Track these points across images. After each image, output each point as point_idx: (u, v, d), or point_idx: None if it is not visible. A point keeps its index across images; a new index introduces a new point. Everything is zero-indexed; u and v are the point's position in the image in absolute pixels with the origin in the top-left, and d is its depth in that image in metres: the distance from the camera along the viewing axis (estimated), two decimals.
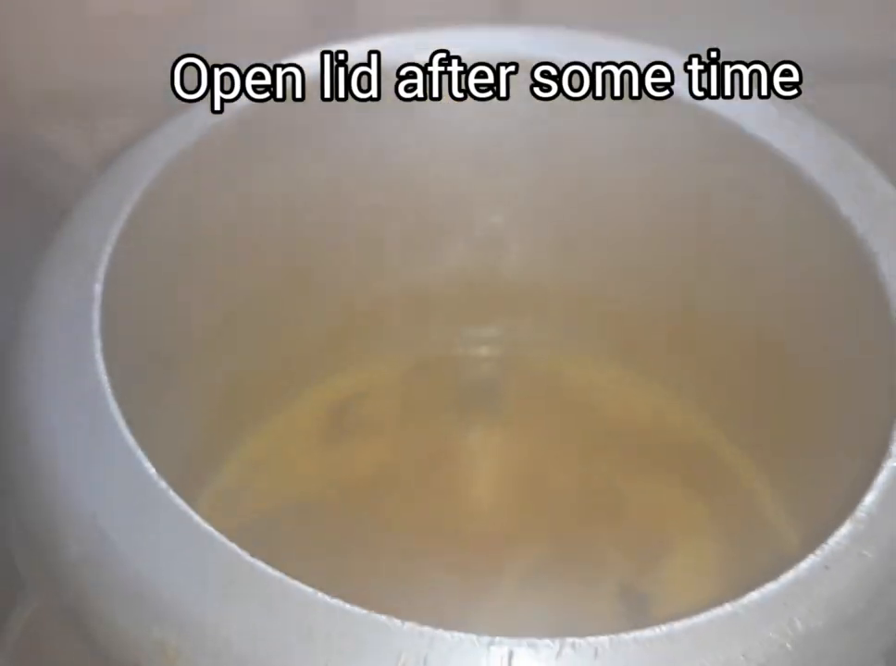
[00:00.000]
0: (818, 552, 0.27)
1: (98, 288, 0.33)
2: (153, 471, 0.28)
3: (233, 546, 0.26)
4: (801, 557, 0.28)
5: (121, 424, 0.30)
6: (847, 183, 0.35)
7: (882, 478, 0.29)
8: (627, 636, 0.24)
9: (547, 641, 0.24)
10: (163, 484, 0.28)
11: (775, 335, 0.46)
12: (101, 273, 0.34)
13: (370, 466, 0.51)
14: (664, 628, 0.25)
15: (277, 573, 0.26)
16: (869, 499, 0.28)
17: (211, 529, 0.27)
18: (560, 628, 0.45)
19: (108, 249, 0.35)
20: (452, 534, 0.48)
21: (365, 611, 0.25)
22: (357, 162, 0.48)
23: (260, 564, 0.26)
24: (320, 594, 0.25)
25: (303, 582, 0.46)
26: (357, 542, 0.48)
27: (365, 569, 0.47)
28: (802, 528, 0.47)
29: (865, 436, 0.37)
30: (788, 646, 0.24)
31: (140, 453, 0.29)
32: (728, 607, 0.25)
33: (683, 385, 0.52)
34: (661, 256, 0.48)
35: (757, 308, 0.46)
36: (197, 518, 0.27)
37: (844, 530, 0.27)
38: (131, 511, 0.27)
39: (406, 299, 0.54)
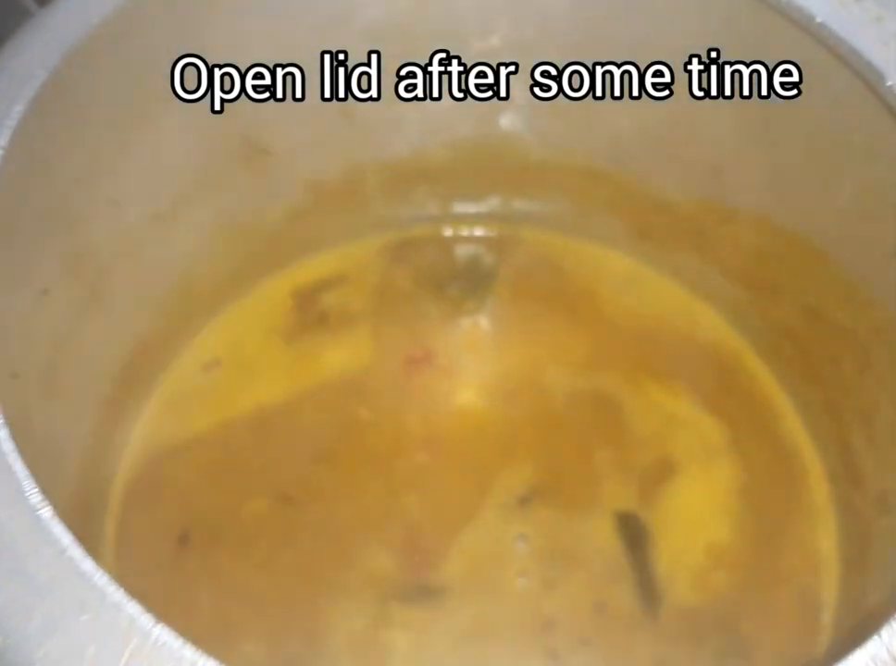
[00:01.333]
0: None
1: None
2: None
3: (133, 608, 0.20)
4: None
5: None
6: None
7: None
8: None
9: None
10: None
11: (821, 241, 0.38)
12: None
13: (341, 368, 0.45)
14: None
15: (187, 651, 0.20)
16: None
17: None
18: (546, 564, 0.42)
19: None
20: (431, 450, 0.42)
21: None
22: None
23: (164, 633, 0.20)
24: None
25: (264, 500, 0.43)
26: (324, 459, 0.42)
27: (332, 488, 0.41)
28: (828, 461, 0.41)
29: None
30: None
31: None
32: None
33: (708, 286, 0.45)
34: (697, 133, 0.40)
35: (806, 208, 0.38)
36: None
37: None
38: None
39: (385, 169, 0.46)
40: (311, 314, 0.46)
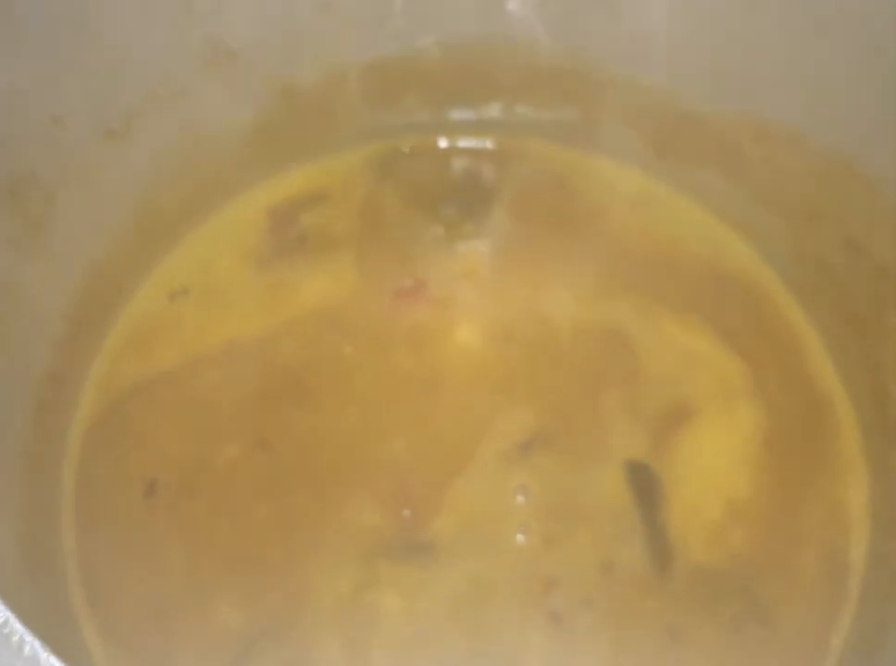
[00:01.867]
0: None
1: None
2: None
3: None
4: None
5: None
6: None
7: None
8: None
9: None
10: None
11: (870, 168, 0.34)
12: None
13: (322, 298, 0.40)
14: None
15: None
16: None
17: None
18: (548, 519, 0.38)
19: None
20: (422, 392, 0.38)
21: None
22: None
23: None
24: None
25: (238, 445, 0.39)
26: (304, 401, 0.38)
27: (312, 433, 0.38)
28: (861, 411, 0.37)
29: None
30: None
31: None
32: None
33: (736, 210, 0.40)
34: (734, 35, 0.35)
35: (854, 130, 0.33)
36: None
37: None
38: None
39: (369, 71, 0.40)
40: (288, 238, 0.41)
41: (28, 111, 0.30)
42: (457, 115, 0.42)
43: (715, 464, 0.37)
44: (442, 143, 0.43)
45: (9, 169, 0.30)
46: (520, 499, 0.36)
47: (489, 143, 0.43)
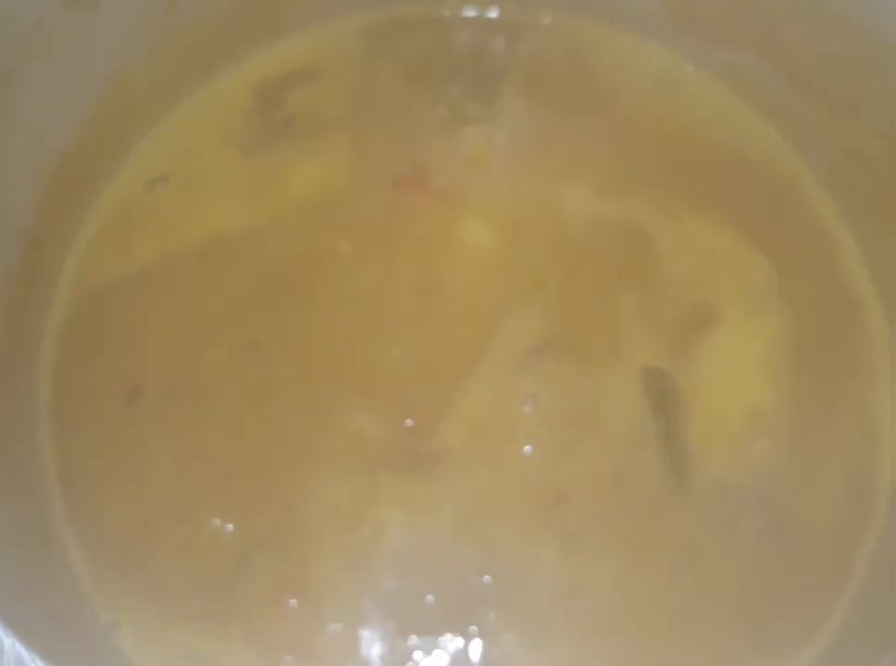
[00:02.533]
0: None
1: None
2: None
3: None
4: None
5: None
6: None
7: None
8: None
9: None
10: None
11: None
12: None
13: (314, 187, 0.37)
14: None
15: None
16: None
17: None
18: (558, 429, 0.36)
19: None
20: (424, 291, 0.36)
21: None
22: None
23: None
24: None
25: (225, 347, 0.35)
26: (296, 299, 0.35)
27: (306, 334, 0.35)
28: (892, 308, 0.35)
29: None
30: None
31: None
32: None
33: (767, 94, 0.36)
34: None
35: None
36: None
37: None
38: None
39: None
40: (275, 118, 0.38)
41: None
42: None
43: (737, 372, 0.35)
44: (446, 12, 0.39)
45: None
46: (529, 407, 0.34)
47: (496, 13, 0.39)
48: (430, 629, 0.32)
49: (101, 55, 0.33)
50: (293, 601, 0.32)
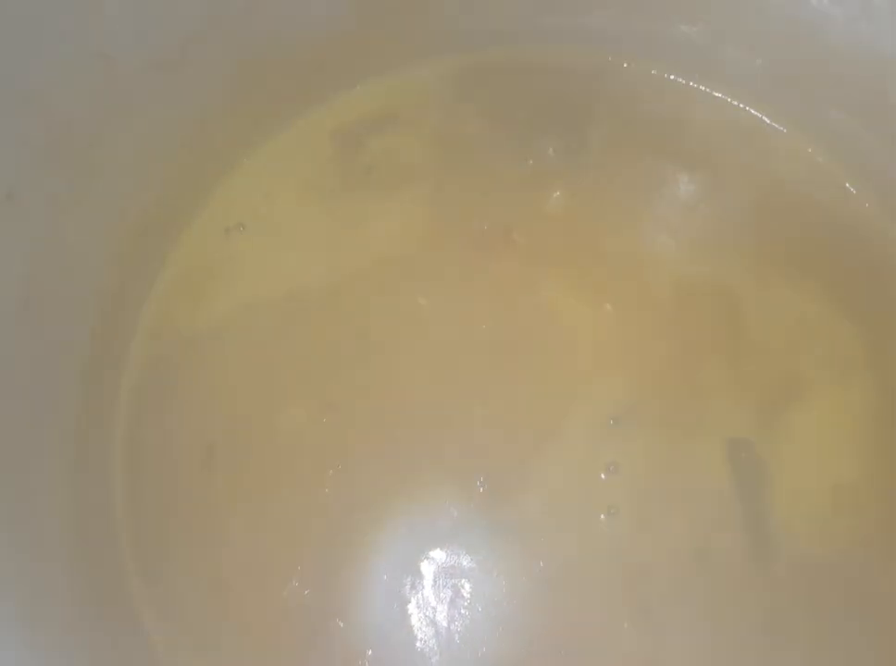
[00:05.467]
0: None
1: None
2: None
3: None
4: None
5: None
6: None
7: None
8: None
9: None
10: None
11: None
12: None
13: (390, 239, 0.36)
14: None
15: None
16: None
17: None
18: (639, 500, 0.35)
19: None
20: (504, 353, 0.35)
21: None
22: None
23: None
24: None
25: (302, 406, 0.35)
26: (373, 356, 0.35)
27: (382, 393, 0.34)
28: None
29: None
30: None
31: None
32: None
33: (856, 158, 0.35)
34: None
35: None
36: None
37: None
38: None
39: None
40: (355, 166, 0.36)
41: (72, 50, 0.25)
42: (551, 23, 0.37)
43: (824, 445, 0.34)
44: (533, 58, 0.37)
45: (49, 118, 0.25)
46: (610, 476, 0.33)
47: (588, 61, 0.37)
48: None
49: (182, 108, 0.32)
50: None
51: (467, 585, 0.33)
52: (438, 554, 0.33)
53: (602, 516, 0.33)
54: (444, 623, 0.32)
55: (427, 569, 0.33)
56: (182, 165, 0.34)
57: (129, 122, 0.29)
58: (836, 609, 0.32)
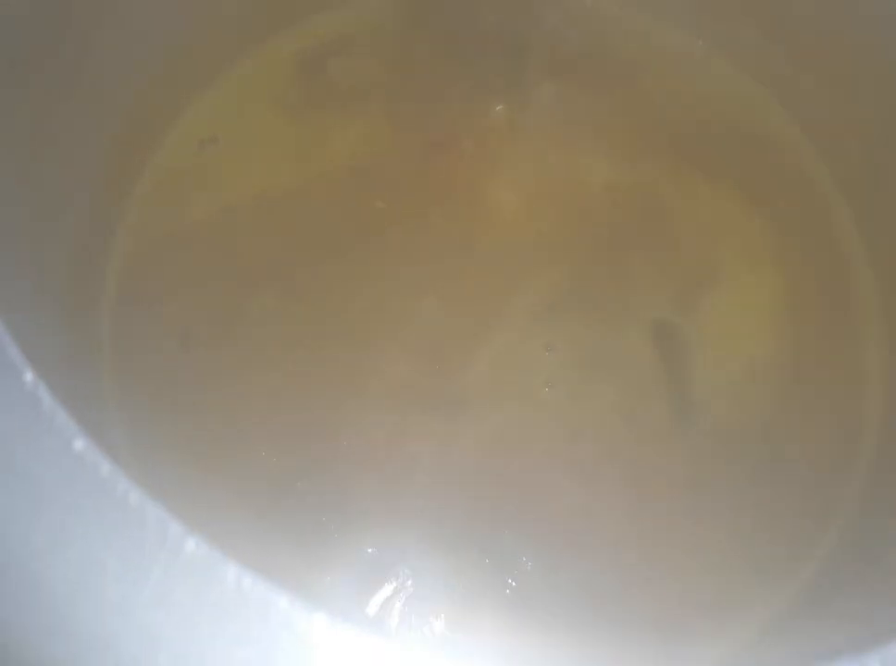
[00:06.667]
0: None
1: None
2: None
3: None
4: None
5: None
6: None
7: None
8: None
9: None
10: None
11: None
12: None
13: (351, 149, 0.40)
14: None
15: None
16: None
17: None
18: (578, 379, 0.39)
19: None
20: (453, 248, 0.39)
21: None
22: None
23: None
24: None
25: (271, 294, 0.39)
26: (336, 252, 0.38)
27: (344, 284, 0.38)
28: (882, 277, 0.38)
29: None
30: None
31: None
32: None
33: (772, 70, 0.39)
34: None
35: None
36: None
37: None
38: None
39: None
40: (317, 85, 0.40)
41: None
42: None
43: (739, 324, 0.38)
44: None
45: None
46: (548, 354, 0.37)
47: None
48: (453, 547, 0.35)
49: (162, 20, 0.36)
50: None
51: (421, 452, 0.36)
52: (395, 422, 0.36)
53: (542, 388, 0.37)
54: (398, 483, 0.36)
55: (386, 436, 0.36)
56: (161, 78, 0.37)
57: (115, 25, 0.33)
58: (750, 465, 0.36)
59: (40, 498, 0.17)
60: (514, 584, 0.34)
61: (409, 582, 0.34)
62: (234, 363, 0.37)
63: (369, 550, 0.35)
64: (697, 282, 0.38)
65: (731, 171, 0.40)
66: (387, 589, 0.34)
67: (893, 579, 0.30)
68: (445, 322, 0.37)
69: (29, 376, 0.18)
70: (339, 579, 0.34)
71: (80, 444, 0.17)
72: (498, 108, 0.41)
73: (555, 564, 0.35)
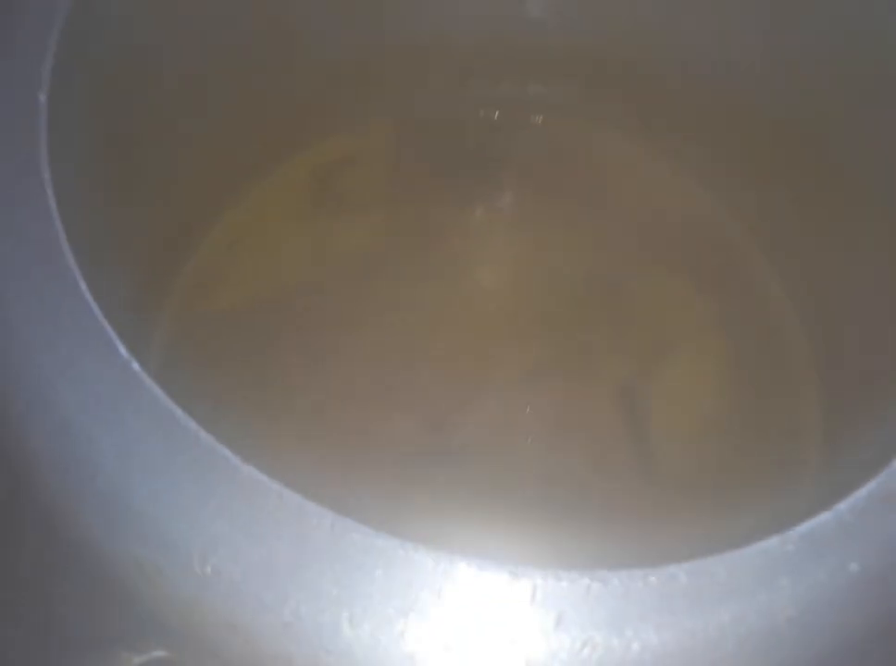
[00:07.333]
0: (880, 478, 0.24)
1: (43, 98, 0.27)
2: (123, 350, 0.24)
3: (224, 449, 0.23)
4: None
5: (81, 280, 0.25)
6: None
7: None
8: (662, 573, 0.22)
9: (574, 574, 0.22)
10: (137, 366, 0.24)
11: (810, 129, 0.41)
12: (46, 70, 0.28)
13: (357, 248, 0.47)
14: (702, 564, 0.22)
15: (275, 484, 0.23)
16: None
17: (197, 428, 0.23)
18: (555, 433, 0.45)
19: (56, 34, 0.28)
20: (445, 325, 0.45)
21: (373, 533, 0.22)
22: None
23: (255, 473, 0.23)
24: (324, 510, 0.22)
25: (290, 373, 0.45)
26: (345, 336, 0.45)
27: (354, 366, 0.44)
28: (813, 336, 0.45)
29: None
30: (840, 590, 0.22)
31: (105, 323, 0.24)
32: (776, 541, 0.23)
33: (707, 173, 0.47)
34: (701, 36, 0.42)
35: (791, 96, 0.41)
36: (180, 412, 0.23)
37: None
38: (102, 402, 0.23)
39: (402, 53, 0.47)
40: (327, 195, 0.48)
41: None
42: (475, 90, 0.50)
43: (691, 387, 0.45)
44: (459, 116, 0.50)
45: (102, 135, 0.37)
46: (529, 413, 0.44)
47: (499, 116, 0.50)
48: None
49: (208, 148, 0.44)
50: None
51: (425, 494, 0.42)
52: (400, 472, 0.42)
53: (526, 442, 0.43)
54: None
55: (392, 483, 0.42)
56: (199, 190, 0.45)
57: (168, 144, 0.41)
58: (707, 507, 0.42)
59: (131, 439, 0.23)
60: None
61: None
62: (262, 425, 0.43)
63: None
64: (654, 352, 0.45)
65: (681, 259, 0.47)
66: None
67: None
68: (441, 388, 0.44)
69: None
70: None
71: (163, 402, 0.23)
72: (479, 211, 0.48)
73: None
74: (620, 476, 0.42)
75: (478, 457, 0.42)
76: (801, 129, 0.42)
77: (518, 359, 0.45)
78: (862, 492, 0.23)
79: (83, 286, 0.25)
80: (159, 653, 0.22)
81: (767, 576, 0.22)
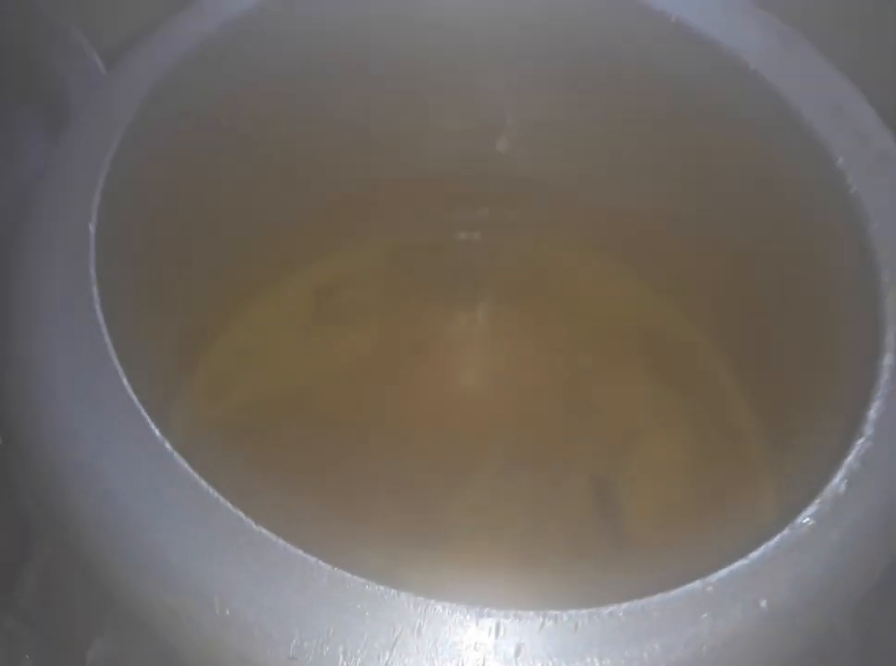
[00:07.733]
0: (785, 532, 0.29)
1: (92, 228, 0.33)
2: (158, 433, 0.29)
3: (240, 514, 0.28)
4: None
5: (123, 376, 0.30)
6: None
7: (853, 456, 0.30)
8: (604, 611, 0.27)
9: (531, 613, 0.26)
10: (168, 446, 0.29)
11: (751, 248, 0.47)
12: (95, 205, 0.34)
13: (352, 354, 0.52)
14: (637, 604, 0.27)
15: (281, 542, 0.27)
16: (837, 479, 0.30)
17: (218, 496, 0.28)
18: (531, 516, 0.49)
19: (103, 175, 0.34)
20: (431, 423, 0.50)
21: (364, 581, 0.27)
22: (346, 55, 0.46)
23: (265, 533, 0.27)
24: (322, 563, 0.27)
25: (288, 474, 0.50)
26: (342, 432, 0.50)
27: (350, 459, 0.49)
28: (768, 431, 0.50)
29: (845, 369, 0.39)
30: (751, 624, 0.26)
31: (142, 411, 0.29)
32: (698, 584, 0.27)
33: (667, 284, 0.53)
34: (653, 166, 0.49)
35: (741, 223, 0.47)
36: (204, 484, 0.28)
37: (811, 510, 0.29)
38: (140, 476, 0.28)
39: (392, 185, 0.54)
40: (328, 307, 0.54)
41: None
42: (456, 216, 0.56)
43: (657, 476, 0.49)
44: (444, 238, 0.56)
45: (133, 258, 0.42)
46: (508, 501, 0.48)
47: (481, 239, 0.56)
48: None
49: (218, 263, 0.49)
50: None
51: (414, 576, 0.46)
52: (390, 555, 0.47)
53: (507, 527, 0.47)
54: None
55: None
56: (208, 302, 0.51)
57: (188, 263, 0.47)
58: (673, 577, 0.46)
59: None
60: None
61: None
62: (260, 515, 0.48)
63: None
64: (622, 443, 0.50)
65: (646, 358, 0.52)
66: None
67: None
68: (427, 478, 0.49)
69: None
70: None
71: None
72: (462, 322, 0.54)
73: None
74: (594, 555, 0.47)
75: (462, 541, 0.47)
76: (740, 247, 0.48)
77: (497, 452, 0.49)
78: (771, 543, 0.28)
79: (126, 382, 0.30)
80: None
81: (691, 613, 0.27)
